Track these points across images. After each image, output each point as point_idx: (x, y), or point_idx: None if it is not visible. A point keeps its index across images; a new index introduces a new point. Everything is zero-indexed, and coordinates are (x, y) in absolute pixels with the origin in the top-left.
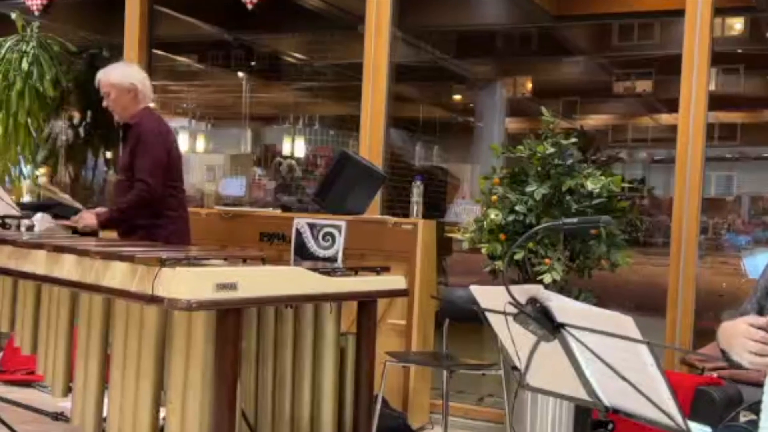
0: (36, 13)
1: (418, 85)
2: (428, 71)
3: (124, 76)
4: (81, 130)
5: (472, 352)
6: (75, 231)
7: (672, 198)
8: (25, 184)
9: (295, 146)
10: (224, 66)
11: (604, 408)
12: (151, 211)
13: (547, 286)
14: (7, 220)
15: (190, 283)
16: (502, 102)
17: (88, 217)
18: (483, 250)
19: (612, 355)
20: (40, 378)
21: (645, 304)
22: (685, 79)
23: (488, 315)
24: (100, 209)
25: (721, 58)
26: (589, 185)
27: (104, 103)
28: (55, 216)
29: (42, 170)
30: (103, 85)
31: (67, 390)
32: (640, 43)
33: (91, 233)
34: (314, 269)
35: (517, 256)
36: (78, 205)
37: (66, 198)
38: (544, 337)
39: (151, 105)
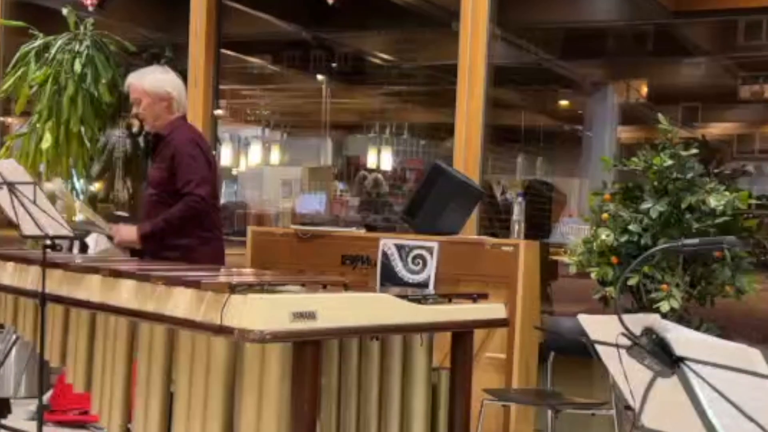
0: (90, 8)
1: (519, 90)
2: (531, 74)
3: (158, 82)
4: (140, 140)
5: (581, 389)
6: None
7: None
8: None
9: (381, 158)
10: (302, 68)
11: None
12: (185, 232)
13: (664, 315)
14: (58, 241)
15: (264, 311)
16: (613, 108)
17: (126, 231)
18: (592, 275)
19: (738, 393)
20: (95, 419)
21: None
22: None
23: (598, 348)
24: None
25: None
26: (712, 202)
27: (133, 111)
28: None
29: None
30: (134, 90)
31: None
32: None
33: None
34: (403, 296)
35: (631, 282)
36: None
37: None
38: (661, 372)
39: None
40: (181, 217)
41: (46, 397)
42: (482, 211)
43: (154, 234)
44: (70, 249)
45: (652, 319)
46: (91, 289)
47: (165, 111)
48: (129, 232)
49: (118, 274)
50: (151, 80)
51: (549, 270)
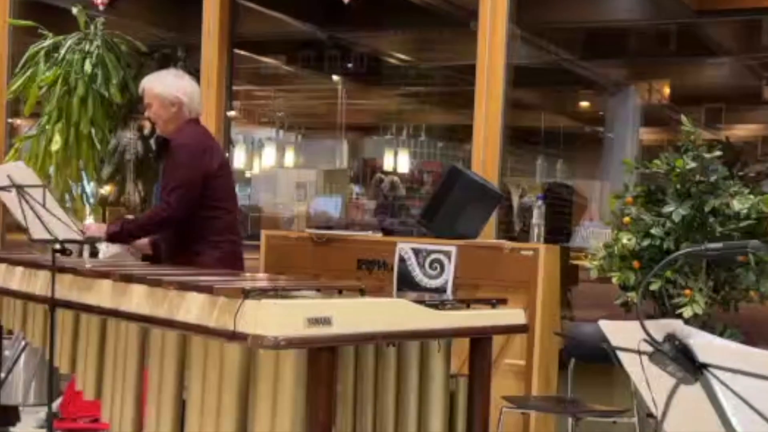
0: (101, 7)
1: (539, 91)
2: (551, 74)
3: (168, 87)
4: (152, 143)
5: (602, 396)
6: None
7: None
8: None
9: (398, 160)
10: (317, 68)
11: None
12: (192, 237)
13: (687, 321)
14: (68, 246)
15: (278, 317)
16: (635, 110)
17: (95, 229)
18: (614, 280)
19: (762, 400)
20: (105, 426)
21: None
22: None
23: (620, 354)
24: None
25: None
26: (736, 205)
27: (146, 114)
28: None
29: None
30: (146, 94)
31: None
32: None
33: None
34: (420, 301)
35: (653, 287)
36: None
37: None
38: (683, 379)
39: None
40: (145, 223)
41: (56, 404)
42: (501, 215)
43: (121, 234)
44: (80, 253)
45: (675, 325)
46: (102, 294)
47: (175, 115)
48: (97, 230)
49: (129, 278)
50: (162, 84)
51: (569, 275)
